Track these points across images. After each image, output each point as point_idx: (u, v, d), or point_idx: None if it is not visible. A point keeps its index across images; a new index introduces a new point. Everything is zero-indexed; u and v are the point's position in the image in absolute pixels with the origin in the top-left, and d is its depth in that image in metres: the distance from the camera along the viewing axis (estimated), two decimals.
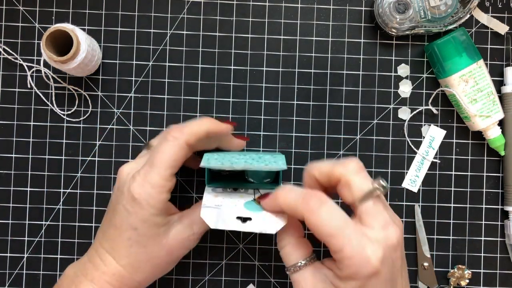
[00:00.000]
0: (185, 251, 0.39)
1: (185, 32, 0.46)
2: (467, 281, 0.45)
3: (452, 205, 0.46)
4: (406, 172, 0.46)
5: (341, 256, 0.30)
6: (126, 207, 0.35)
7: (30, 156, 0.45)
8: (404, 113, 0.46)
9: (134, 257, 0.36)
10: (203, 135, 0.36)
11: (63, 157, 0.46)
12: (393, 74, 0.47)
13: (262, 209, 0.36)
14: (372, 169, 0.46)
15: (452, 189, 0.46)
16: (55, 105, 0.46)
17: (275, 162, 0.35)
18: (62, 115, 0.46)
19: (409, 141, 0.46)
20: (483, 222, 0.46)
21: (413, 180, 0.46)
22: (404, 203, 0.46)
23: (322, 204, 0.31)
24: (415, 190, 0.46)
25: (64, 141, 0.46)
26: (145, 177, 0.35)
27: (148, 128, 0.46)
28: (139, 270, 0.37)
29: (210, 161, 0.36)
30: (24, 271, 0.45)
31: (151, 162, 0.35)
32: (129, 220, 0.35)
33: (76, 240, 0.45)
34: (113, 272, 0.36)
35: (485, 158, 0.47)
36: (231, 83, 0.46)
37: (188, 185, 0.46)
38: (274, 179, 0.41)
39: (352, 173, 0.33)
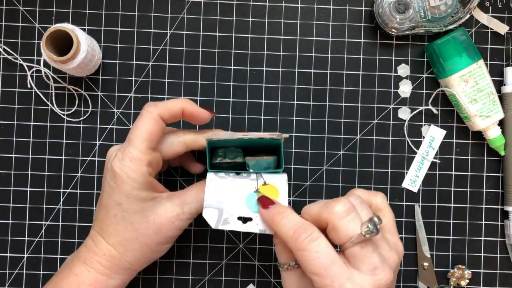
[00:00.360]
0: (176, 231, 0.38)
1: (185, 32, 0.46)
2: (467, 281, 0.45)
3: (452, 205, 0.46)
4: (406, 172, 0.46)
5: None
6: (110, 184, 0.36)
7: (30, 156, 0.45)
8: (404, 113, 0.46)
9: (122, 235, 0.36)
10: (177, 112, 0.38)
11: (63, 157, 0.46)
12: (393, 74, 0.47)
13: None
14: (372, 169, 0.46)
15: (452, 189, 0.46)
16: (55, 105, 0.46)
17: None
18: (62, 115, 0.46)
19: (409, 141, 0.46)
20: (483, 222, 0.46)
21: (413, 180, 0.46)
22: (404, 203, 0.46)
23: (312, 241, 0.31)
24: (415, 190, 0.46)
25: (64, 141, 0.46)
26: (123, 152, 0.36)
27: None
28: (128, 248, 0.37)
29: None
30: (24, 271, 0.45)
31: (128, 138, 0.36)
32: (114, 196, 0.36)
33: (76, 240, 0.45)
34: (103, 252, 0.37)
35: (485, 158, 0.47)
36: (231, 83, 0.46)
37: (188, 184, 0.46)
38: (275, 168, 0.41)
39: (338, 218, 0.32)
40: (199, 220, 0.46)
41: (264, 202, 0.35)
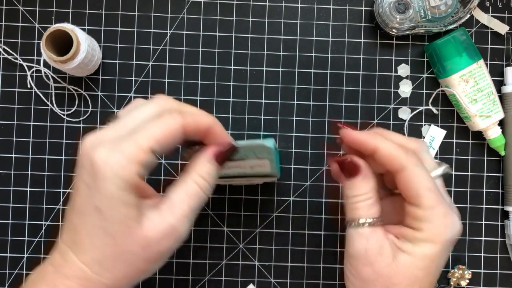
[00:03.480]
0: (171, 242, 0.30)
1: (185, 32, 0.46)
2: (467, 281, 0.45)
3: None
4: None
5: (431, 213, 0.30)
6: (86, 182, 0.28)
7: (30, 156, 0.45)
8: (404, 113, 0.46)
9: (99, 251, 0.28)
10: (203, 128, 0.31)
11: (63, 157, 0.46)
12: (393, 74, 0.46)
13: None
14: None
15: (452, 189, 0.46)
16: (55, 105, 0.46)
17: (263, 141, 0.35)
18: (62, 115, 0.46)
19: None
20: (483, 222, 0.46)
21: None
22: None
23: (421, 163, 0.32)
24: None
25: (64, 141, 0.46)
26: (117, 143, 0.28)
27: None
28: (108, 269, 0.29)
29: None
30: (24, 271, 0.45)
31: (132, 130, 0.29)
32: (92, 199, 0.28)
33: None
34: (75, 273, 0.28)
35: (485, 158, 0.47)
36: (231, 83, 0.46)
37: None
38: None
39: (425, 149, 0.34)
40: (199, 220, 0.46)
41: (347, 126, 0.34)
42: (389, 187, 0.36)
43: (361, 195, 0.32)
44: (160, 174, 0.46)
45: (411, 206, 0.32)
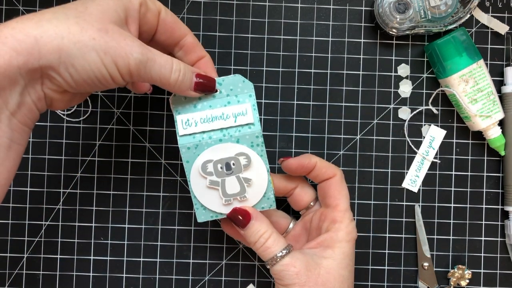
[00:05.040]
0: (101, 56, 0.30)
1: None
2: (467, 281, 0.45)
3: (452, 205, 0.46)
4: (406, 172, 0.46)
5: (344, 215, 0.37)
6: None
7: (30, 156, 0.45)
8: (404, 113, 0.46)
9: (58, 11, 0.30)
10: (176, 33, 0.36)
11: (63, 157, 0.46)
12: (393, 74, 0.47)
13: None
14: (372, 169, 0.46)
15: (452, 189, 0.46)
16: None
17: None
18: (62, 115, 0.46)
19: (409, 141, 0.46)
20: (483, 222, 0.46)
21: (413, 180, 0.46)
22: (404, 203, 0.46)
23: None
24: (415, 190, 0.46)
25: (64, 141, 0.46)
26: None
27: (148, 128, 0.46)
28: (50, 29, 0.29)
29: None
30: (24, 271, 0.45)
31: None
32: None
33: (76, 240, 0.45)
34: (20, 29, 0.28)
35: (485, 158, 0.47)
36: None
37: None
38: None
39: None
40: None
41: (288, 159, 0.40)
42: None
43: (263, 233, 0.36)
44: (160, 174, 0.46)
45: (330, 210, 0.38)
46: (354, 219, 0.46)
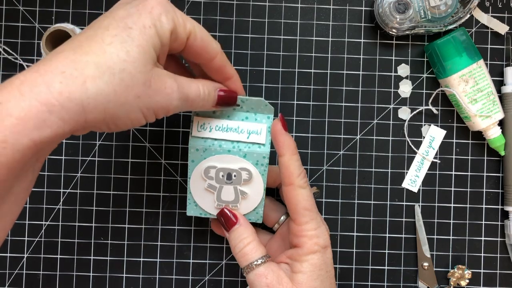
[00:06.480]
0: (170, 102, 0.31)
1: None
2: (467, 281, 0.45)
3: (452, 205, 0.46)
4: (406, 172, 0.46)
5: (305, 227, 0.36)
6: (129, 10, 0.30)
7: None
8: (404, 113, 0.46)
9: (103, 57, 0.28)
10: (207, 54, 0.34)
11: (63, 157, 0.46)
12: (393, 74, 0.47)
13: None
14: (372, 169, 0.46)
15: (452, 189, 0.46)
16: None
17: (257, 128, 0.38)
18: None
19: (409, 141, 0.46)
20: (483, 222, 0.46)
21: (413, 180, 0.46)
22: (404, 203, 0.46)
23: (307, 184, 0.37)
24: (415, 190, 0.46)
25: (64, 141, 0.46)
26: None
27: (148, 128, 0.46)
28: (96, 75, 0.27)
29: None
30: (24, 271, 0.45)
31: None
32: (125, 19, 0.29)
33: (76, 240, 0.45)
34: (58, 69, 0.26)
35: (485, 158, 0.47)
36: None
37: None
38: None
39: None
40: (199, 220, 0.46)
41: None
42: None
43: (244, 239, 0.37)
44: (160, 174, 0.46)
45: (292, 224, 0.37)
46: (354, 219, 0.46)
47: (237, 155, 0.38)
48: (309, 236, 0.36)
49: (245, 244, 0.37)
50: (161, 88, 0.30)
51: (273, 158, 0.46)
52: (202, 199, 0.39)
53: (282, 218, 0.42)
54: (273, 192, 0.45)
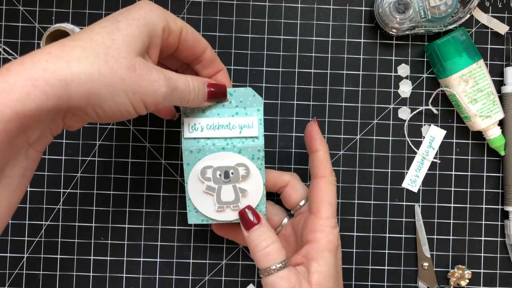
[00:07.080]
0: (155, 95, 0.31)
1: None
2: (467, 281, 0.45)
3: (452, 205, 0.46)
4: (406, 172, 0.46)
5: (325, 223, 0.36)
6: (122, 12, 0.32)
7: None
8: (404, 113, 0.46)
9: (88, 43, 0.29)
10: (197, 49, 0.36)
11: (63, 157, 0.46)
12: (393, 74, 0.47)
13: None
14: (372, 169, 0.46)
15: (452, 189, 0.46)
16: None
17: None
18: None
19: (409, 141, 0.46)
20: (483, 222, 0.46)
21: (413, 180, 0.46)
22: (404, 203, 0.46)
23: (335, 180, 0.38)
24: (415, 190, 0.46)
25: (64, 141, 0.46)
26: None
27: (148, 128, 0.46)
28: (80, 55, 0.29)
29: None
30: (24, 271, 0.45)
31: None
32: (116, 15, 0.31)
33: (76, 240, 0.45)
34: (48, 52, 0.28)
35: (485, 158, 0.47)
36: (231, 83, 0.46)
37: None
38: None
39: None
40: None
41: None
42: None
43: (268, 238, 0.36)
44: (160, 174, 0.46)
45: (312, 217, 0.37)
46: (354, 219, 0.46)
47: (232, 151, 0.38)
48: (326, 233, 0.36)
49: (268, 243, 0.36)
50: (146, 74, 0.30)
51: (273, 161, 0.46)
52: (202, 204, 0.39)
53: (285, 220, 0.42)
54: (273, 197, 0.45)
